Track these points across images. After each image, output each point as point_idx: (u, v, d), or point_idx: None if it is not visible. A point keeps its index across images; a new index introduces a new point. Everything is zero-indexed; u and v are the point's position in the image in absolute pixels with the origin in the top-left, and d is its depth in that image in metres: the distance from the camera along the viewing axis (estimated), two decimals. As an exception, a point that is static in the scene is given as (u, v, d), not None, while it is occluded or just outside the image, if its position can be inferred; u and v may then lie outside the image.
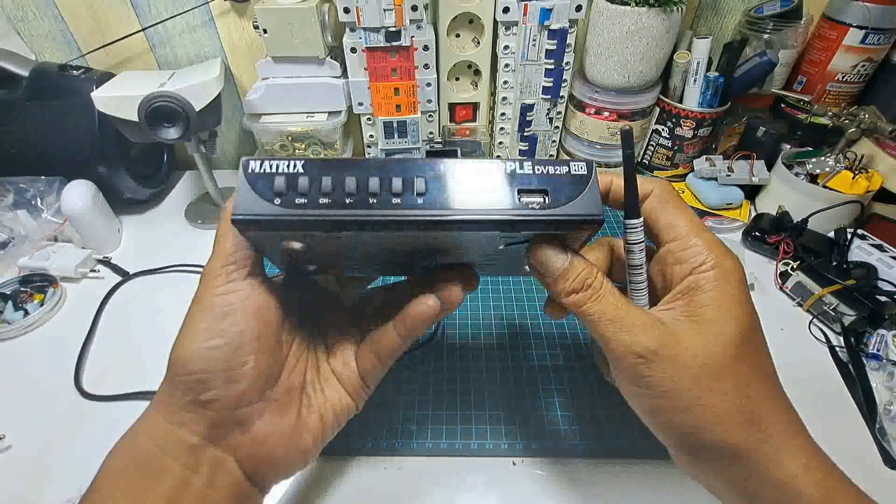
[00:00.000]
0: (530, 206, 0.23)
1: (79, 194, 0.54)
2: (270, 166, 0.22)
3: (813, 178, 0.57)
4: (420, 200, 0.22)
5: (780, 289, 0.52)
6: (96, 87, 0.52)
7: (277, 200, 0.22)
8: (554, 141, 0.66)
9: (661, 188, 0.26)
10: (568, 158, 0.24)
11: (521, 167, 0.23)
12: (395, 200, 0.22)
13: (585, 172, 0.24)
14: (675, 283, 0.25)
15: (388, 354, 0.29)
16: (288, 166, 0.22)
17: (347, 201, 0.22)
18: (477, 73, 0.64)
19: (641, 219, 0.25)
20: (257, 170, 0.22)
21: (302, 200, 0.22)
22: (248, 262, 0.25)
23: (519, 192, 0.23)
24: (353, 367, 0.30)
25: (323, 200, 0.22)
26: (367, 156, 0.68)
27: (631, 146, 0.25)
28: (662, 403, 0.23)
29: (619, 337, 0.23)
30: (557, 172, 0.23)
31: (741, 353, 0.23)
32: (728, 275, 0.24)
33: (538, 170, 0.23)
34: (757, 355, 0.24)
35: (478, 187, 0.23)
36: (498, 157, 0.22)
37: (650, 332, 0.23)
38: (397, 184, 0.22)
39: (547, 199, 0.23)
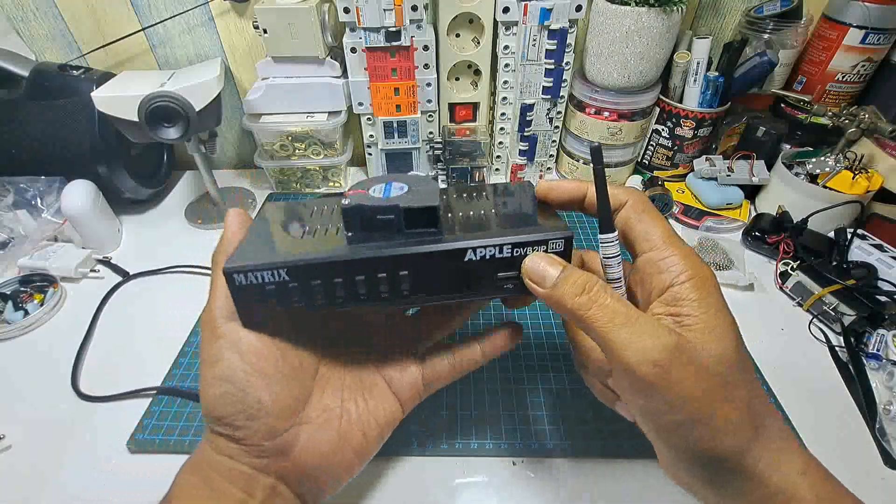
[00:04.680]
0: (506, 286, 0.26)
1: (79, 194, 0.54)
2: (256, 277, 0.24)
3: (813, 178, 0.57)
4: (405, 292, 0.26)
5: (780, 289, 0.52)
6: (96, 87, 0.52)
7: (273, 301, 0.25)
8: (554, 141, 0.66)
9: (634, 198, 0.26)
10: (549, 235, 0.26)
11: (501, 251, 0.25)
12: (384, 295, 0.26)
13: (563, 250, 0.26)
14: (656, 292, 0.24)
15: (468, 368, 0.31)
16: (273, 275, 0.24)
17: (339, 300, 0.25)
18: (477, 73, 0.64)
19: (616, 233, 0.25)
20: (244, 282, 0.24)
21: (297, 303, 0.25)
22: (232, 312, 0.26)
23: (497, 278, 0.26)
24: (414, 372, 0.31)
25: (317, 302, 0.25)
26: (367, 155, 0.68)
27: (601, 162, 0.25)
28: (681, 418, 0.22)
29: (632, 343, 0.21)
30: (535, 251, 0.25)
31: (741, 360, 0.23)
32: (707, 283, 0.24)
33: (517, 252, 0.25)
34: (748, 363, 0.24)
35: (457, 275, 0.26)
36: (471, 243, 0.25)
37: (664, 338, 0.21)
38: (384, 281, 0.25)
39: (520, 274, 0.26)
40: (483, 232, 0.26)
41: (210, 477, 0.25)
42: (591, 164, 0.25)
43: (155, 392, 0.41)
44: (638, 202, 0.26)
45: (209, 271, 0.52)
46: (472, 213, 0.28)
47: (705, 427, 0.22)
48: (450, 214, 0.28)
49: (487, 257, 0.25)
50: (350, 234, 0.26)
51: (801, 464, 0.23)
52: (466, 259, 0.25)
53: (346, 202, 0.26)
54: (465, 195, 0.31)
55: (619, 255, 0.26)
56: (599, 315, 0.22)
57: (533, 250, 0.25)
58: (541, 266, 0.24)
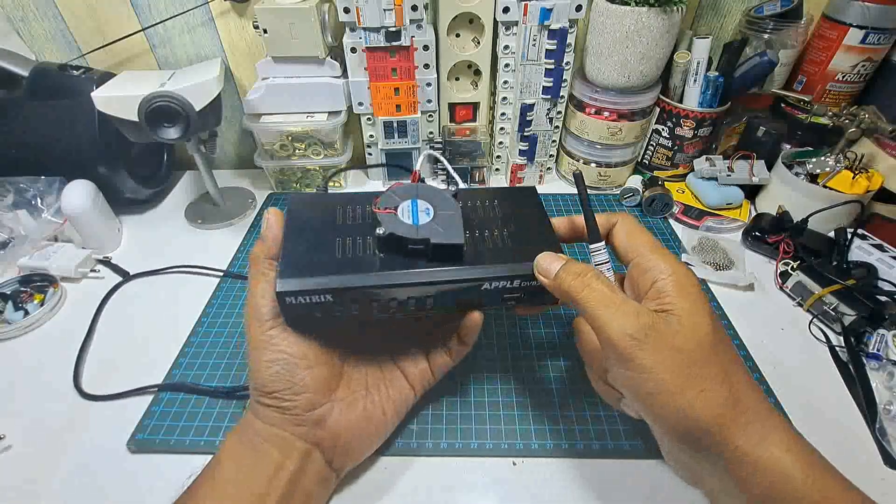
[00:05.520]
0: (510, 302, 0.33)
1: (79, 194, 0.54)
2: (305, 298, 0.29)
3: (813, 178, 0.57)
4: (429, 307, 0.32)
5: (781, 289, 0.52)
6: (96, 87, 0.52)
7: (316, 314, 0.30)
8: (554, 141, 0.66)
9: (623, 218, 0.32)
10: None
11: (511, 283, 0.31)
12: (411, 309, 0.32)
13: None
14: (643, 291, 0.29)
15: (458, 353, 0.38)
16: (320, 297, 0.29)
17: (372, 314, 0.31)
18: (477, 73, 0.63)
19: (602, 242, 0.31)
20: (294, 302, 0.29)
21: (337, 315, 0.31)
22: (277, 305, 0.31)
23: (503, 299, 0.33)
24: (423, 364, 0.37)
25: (352, 314, 0.31)
26: (367, 155, 0.68)
27: (583, 184, 0.32)
28: (655, 387, 0.25)
29: (614, 319, 0.26)
30: (532, 285, 0.31)
31: (717, 342, 0.26)
32: (684, 279, 0.28)
33: (524, 283, 0.32)
34: (728, 346, 0.27)
35: (473, 296, 0.32)
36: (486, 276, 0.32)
37: (643, 317, 0.26)
38: (412, 300, 0.31)
39: (523, 295, 0.32)
40: (497, 261, 0.32)
41: (253, 441, 0.31)
42: (576, 187, 0.31)
43: (157, 389, 0.42)
44: (626, 221, 0.32)
45: (210, 271, 0.55)
46: (486, 232, 0.34)
47: (680, 397, 0.24)
48: (467, 233, 0.32)
49: (500, 287, 0.31)
50: (383, 255, 0.31)
51: (787, 441, 0.25)
52: (483, 288, 0.31)
53: (381, 231, 0.30)
54: (478, 204, 0.36)
55: (608, 262, 0.31)
56: (591, 297, 0.27)
57: (531, 284, 0.31)
58: (547, 261, 0.30)
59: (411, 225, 0.31)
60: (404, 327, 0.39)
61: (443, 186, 0.68)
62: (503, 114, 0.64)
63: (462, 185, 0.39)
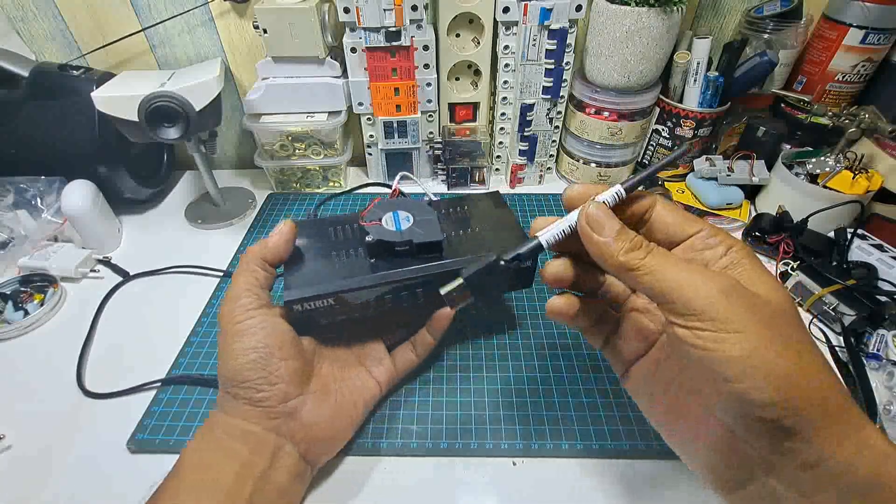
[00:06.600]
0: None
1: (79, 194, 0.54)
2: (310, 305, 0.33)
3: (813, 178, 0.57)
4: (420, 300, 0.37)
5: (780, 289, 0.52)
6: (96, 87, 0.52)
7: (319, 316, 0.34)
8: (554, 141, 0.66)
9: (660, 200, 0.28)
10: (522, 250, 0.31)
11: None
12: (405, 304, 0.36)
13: (530, 265, 0.36)
14: (712, 263, 0.25)
15: (425, 349, 0.40)
16: (323, 302, 0.33)
17: (368, 311, 0.35)
18: (477, 73, 0.63)
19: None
20: (301, 308, 0.33)
21: (338, 316, 0.35)
22: (259, 298, 0.32)
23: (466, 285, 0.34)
24: (387, 361, 0.39)
25: (353, 314, 0.35)
26: (367, 155, 0.68)
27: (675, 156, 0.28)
28: (745, 348, 0.21)
29: (692, 277, 0.22)
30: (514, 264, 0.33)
31: (800, 320, 0.23)
32: (754, 257, 0.25)
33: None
34: (803, 325, 0.24)
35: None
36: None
37: (724, 277, 0.22)
38: (403, 295, 0.35)
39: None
40: (474, 252, 0.35)
41: (219, 439, 0.30)
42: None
43: (160, 384, 0.42)
44: (665, 202, 0.28)
45: (209, 271, 0.55)
46: (461, 231, 0.39)
47: (775, 357, 0.21)
48: (444, 234, 0.36)
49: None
50: (373, 260, 0.35)
51: (883, 436, 0.21)
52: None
53: (370, 238, 0.34)
54: (451, 210, 0.41)
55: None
56: (660, 262, 0.23)
57: (512, 262, 0.31)
58: (602, 215, 0.25)
59: (395, 231, 0.35)
60: (366, 325, 0.40)
61: (442, 186, 0.68)
62: (503, 114, 0.64)
63: (433, 198, 0.44)
